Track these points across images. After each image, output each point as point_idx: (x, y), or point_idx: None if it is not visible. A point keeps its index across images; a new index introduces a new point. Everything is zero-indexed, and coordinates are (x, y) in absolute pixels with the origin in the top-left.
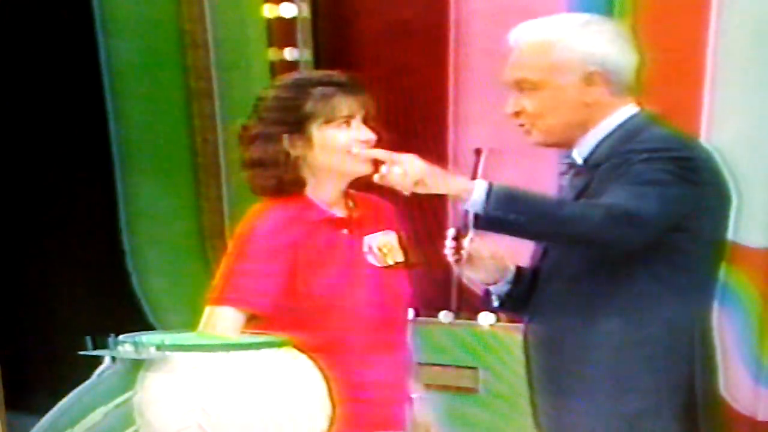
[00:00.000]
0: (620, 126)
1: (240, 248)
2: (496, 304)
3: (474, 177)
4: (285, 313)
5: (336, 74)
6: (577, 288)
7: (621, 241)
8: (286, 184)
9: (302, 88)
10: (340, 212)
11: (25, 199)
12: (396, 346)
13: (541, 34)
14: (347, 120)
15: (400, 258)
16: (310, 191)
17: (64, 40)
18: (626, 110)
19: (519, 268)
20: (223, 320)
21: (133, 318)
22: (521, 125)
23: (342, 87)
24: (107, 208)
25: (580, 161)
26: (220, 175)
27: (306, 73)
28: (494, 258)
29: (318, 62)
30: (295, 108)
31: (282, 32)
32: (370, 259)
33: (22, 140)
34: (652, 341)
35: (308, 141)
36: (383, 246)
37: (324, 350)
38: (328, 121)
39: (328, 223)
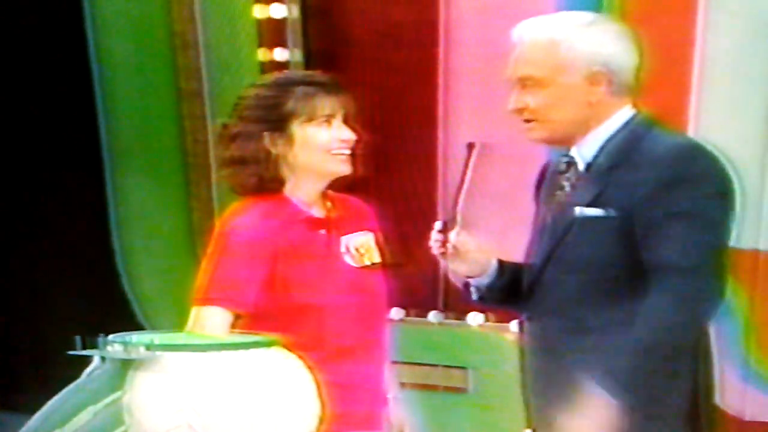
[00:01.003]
0: (621, 129)
1: (222, 247)
2: (475, 297)
3: (465, 172)
4: (265, 313)
5: (317, 74)
6: (585, 292)
7: (711, 312)
8: (266, 182)
9: (284, 87)
10: (318, 212)
11: (15, 199)
12: (374, 345)
13: (545, 33)
14: (328, 119)
15: (378, 259)
16: (289, 191)
17: (55, 40)
18: (625, 112)
19: (501, 262)
20: (210, 320)
21: (123, 317)
22: (527, 121)
23: (323, 87)
24: (97, 207)
25: (582, 164)
26: (210, 175)
27: (288, 73)
28: (480, 251)
29: (308, 63)
30: (276, 106)
31: (272, 33)
32: (347, 259)
33: (12, 140)
34: None
35: (289, 139)
36: (360, 246)
37: (304, 351)
38: (309, 120)
39: (307, 223)
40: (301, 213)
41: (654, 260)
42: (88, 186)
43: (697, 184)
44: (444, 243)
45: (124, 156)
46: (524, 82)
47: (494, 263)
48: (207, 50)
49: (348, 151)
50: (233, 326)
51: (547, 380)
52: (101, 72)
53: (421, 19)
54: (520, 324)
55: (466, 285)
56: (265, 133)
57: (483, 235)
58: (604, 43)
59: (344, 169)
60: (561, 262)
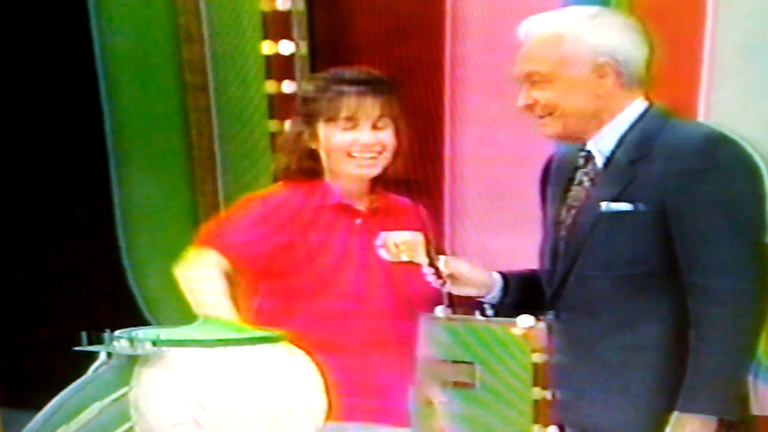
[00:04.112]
0: (637, 121)
1: (240, 207)
2: (489, 313)
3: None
4: (288, 292)
5: (364, 73)
6: (618, 288)
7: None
8: (299, 171)
9: (325, 83)
10: (359, 205)
11: (20, 194)
12: (400, 340)
13: (550, 27)
14: (352, 121)
15: (421, 260)
16: (331, 181)
17: (59, 34)
18: (638, 104)
19: (506, 278)
20: (204, 261)
21: (129, 313)
22: (540, 117)
23: (361, 87)
24: (102, 202)
25: (600, 158)
26: (215, 169)
27: (340, 69)
28: (473, 271)
29: (314, 56)
30: (312, 101)
31: (278, 25)
32: (382, 252)
33: (16, 134)
34: None
35: (315, 136)
36: (401, 244)
37: (323, 345)
38: (330, 120)
39: (341, 208)
40: (338, 198)
41: (693, 260)
42: (92, 181)
43: (726, 173)
44: (438, 275)
45: (129, 150)
46: (531, 78)
47: (498, 281)
48: (212, 43)
49: (371, 155)
50: (250, 312)
51: (579, 377)
52: (105, 65)
53: (428, 11)
54: (550, 321)
55: (480, 303)
56: (304, 127)
57: (487, 233)
58: (610, 34)
59: (365, 172)
60: (590, 259)
